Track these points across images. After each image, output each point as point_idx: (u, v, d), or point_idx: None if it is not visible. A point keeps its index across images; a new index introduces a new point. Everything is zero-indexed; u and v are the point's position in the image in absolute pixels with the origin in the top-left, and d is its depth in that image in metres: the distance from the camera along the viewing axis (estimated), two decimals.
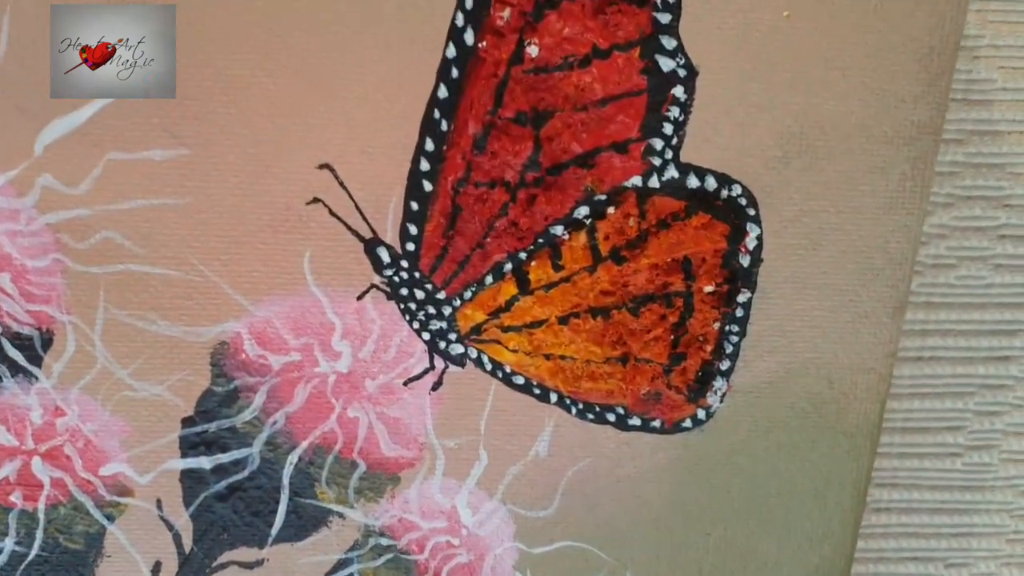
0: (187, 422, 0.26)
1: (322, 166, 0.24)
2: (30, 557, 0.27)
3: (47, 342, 0.25)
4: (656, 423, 0.27)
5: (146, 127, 0.23)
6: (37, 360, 0.25)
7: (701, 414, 0.27)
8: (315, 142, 0.24)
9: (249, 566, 0.28)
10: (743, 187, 0.25)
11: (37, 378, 0.25)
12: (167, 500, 0.27)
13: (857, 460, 0.28)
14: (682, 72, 0.24)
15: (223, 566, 0.28)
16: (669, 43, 0.23)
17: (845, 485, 0.28)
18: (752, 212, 0.25)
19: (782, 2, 0.23)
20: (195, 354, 0.25)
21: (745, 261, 0.26)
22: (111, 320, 0.25)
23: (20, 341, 0.25)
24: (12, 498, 0.26)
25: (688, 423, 0.27)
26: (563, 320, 0.26)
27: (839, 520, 0.28)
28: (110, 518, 0.27)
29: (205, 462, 0.26)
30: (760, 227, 0.25)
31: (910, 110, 0.25)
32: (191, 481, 0.27)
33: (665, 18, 0.23)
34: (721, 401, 0.27)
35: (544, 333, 0.26)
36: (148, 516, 0.27)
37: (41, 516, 0.27)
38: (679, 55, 0.23)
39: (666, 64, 0.23)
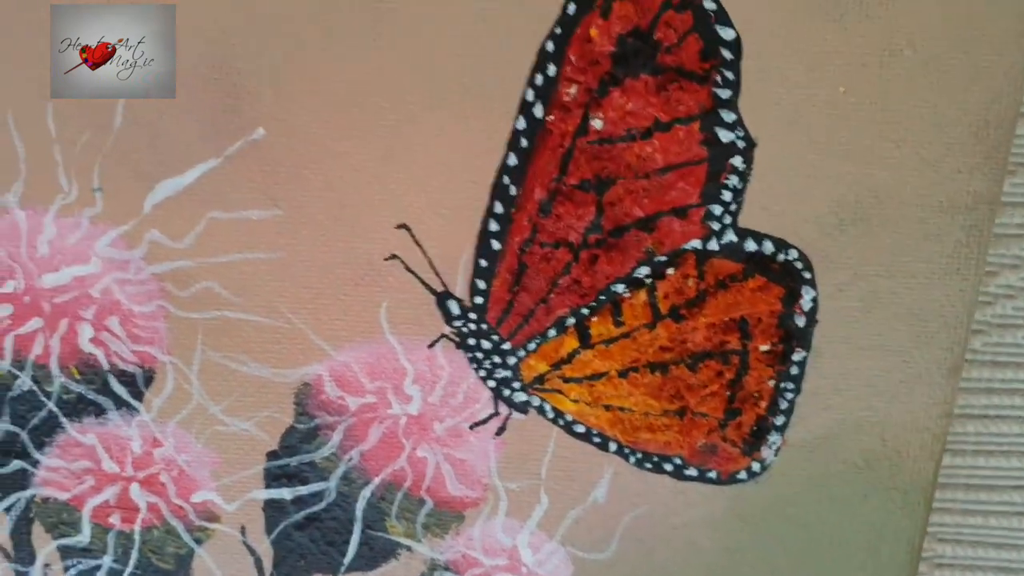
0: (271, 456, 0.28)
1: (399, 226, 0.26)
2: (125, 574, 0.29)
3: (148, 379, 0.28)
4: (712, 474, 0.28)
5: (245, 189, 0.26)
6: (139, 395, 0.28)
7: (756, 467, 0.28)
8: (393, 204, 0.26)
9: None
10: (799, 252, 0.26)
11: (138, 411, 0.28)
12: (250, 528, 0.29)
13: (911, 517, 0.28)
14: (741, 143, 0.25)
15: None
16: (728, 117, 0.25)
17: (899, 540, 0.29)
18: (808, 276, 0.26)
19: (839, 78, 0.24)
20: (281, 394, 0.28)
21: (800, 322, 0.26)
22: (207, 361, 0.27)
23: (125, 378, 0.27)
24: (111, 519, 0.29)
25: (743, 475, 0.28)
26: (623, 374, 0.27)
27: (892, 574, 0.29)
28: (198, 541, 0.29)
29: (286, 493, 0.29)
30: (815, 290, 0.26)
31: (966, 180, 0.25)
32: (273, 510, 0.29)
33: (725, 94, 0.24)
34: (776, 455, 0.28)
35: (604, 385, 0.27)
36: (232, 541, 0.29)
37: (137, 537, 0.29)
38: (738, 128, 0.25)
39: (725, 136, 0.25)
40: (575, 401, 0.27)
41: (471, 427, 0.28)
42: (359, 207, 0.26)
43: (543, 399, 0.27)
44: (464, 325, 0.27)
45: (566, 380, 0.27)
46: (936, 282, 0.26)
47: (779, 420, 0.27)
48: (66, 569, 0.30)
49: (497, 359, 0.27)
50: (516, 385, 0.27)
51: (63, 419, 0.28)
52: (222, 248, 0.26)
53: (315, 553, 0.29)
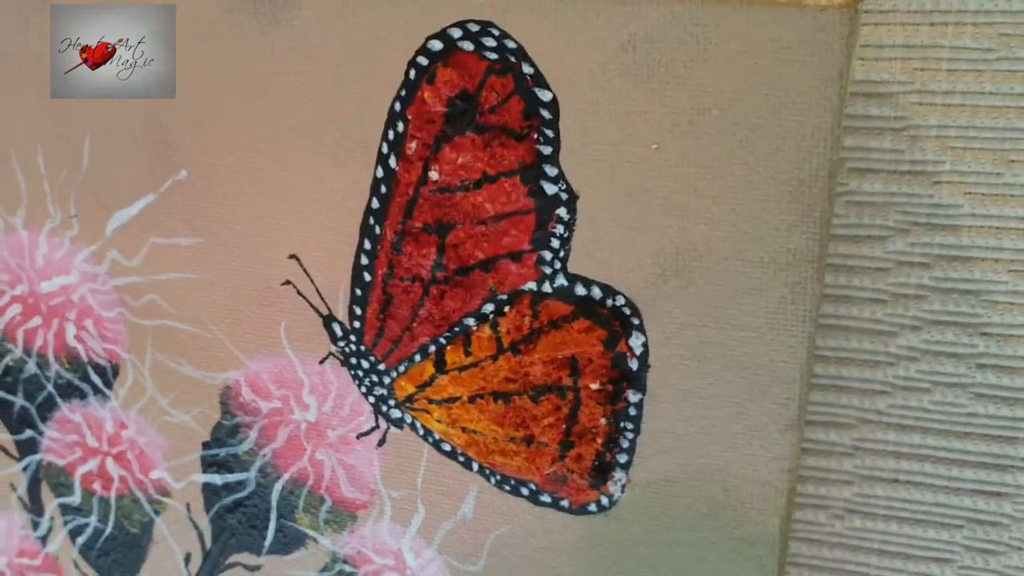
0: (205, 445, 0.33)
1: (291, 256, 0.30)
2: (106, 533, 0.36)
3: (115, 372, 0.34)
4: (564, 502, 0.30)
5: (175, 220, 0.31)
6: (109, 385, 0.34)
7: (604, 501, 0.29)
8: (286, 237, 0.30)
9: (250, 569, 0.34)
10: (626, 298, 0.27)
11: (109, 398, 0.34)
12: (194, 506, 0.34)
13: (760, 570, 0.29)
14: (564, 195, 0.27)
15: (232, 565, 0.34)
16: (551, 171, 0.27)
17: None
18: (636, 321, 0.27)
19: (651, 136, 0.26)
20: (209, 393, 0.33)
21: (634, 365, 0.28)
22: (155, 361, 0.33)
23: (99, 370, 0.34)
24: (95, 486, 0.35)
25: (593, 507, 0.30)
26: (472, 399, 0.29)
27: None
28: (156, 512, 0.35)
29: (218, 479, 0.34)
30: (645, 335, 0.28)
31: (784, 238, 0.26)
32: (209, 493, 0.34)
33: (547, 150, 0.27)
34: (622, 491, 0.29)
35: (458, 409, 0.30)
36: (181, 516, 0.35)
37: (112, 503, 0.35)
38: (561, 181, 0.27)
39: (550, 188, 0.27)
40: (438, 421, 0.30)
41: (357, 437, 0.31)
42: (260, 238, 0.30)
43: (414, 417, 0.31)
44: (346, 346, 0.30)
45: (430, 401, 0.30)
46: (764, 336, 0.27)
47: (622, 458, 0.29)
48: (65, 523, 0.36)
49: (375, 378, 0.31)
50: (392, 403, 0.31)
51: (58, 399, 0.35)
52: (162, 268, 0.32)
53: (242, 534, 0.34)
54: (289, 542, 0.33)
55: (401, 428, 0.31)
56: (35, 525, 0.37)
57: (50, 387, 0.35)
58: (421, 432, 0.31)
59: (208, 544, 0.35)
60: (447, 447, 0.30)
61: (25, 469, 0.36)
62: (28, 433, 0.36)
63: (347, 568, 0.33)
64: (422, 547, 0.32)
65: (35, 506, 0.37)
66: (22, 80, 0.31)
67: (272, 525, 0.33)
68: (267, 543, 0.34)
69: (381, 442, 0.31)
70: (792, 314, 0.26)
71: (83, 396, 0.34)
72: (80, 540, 0.36)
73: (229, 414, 0.33)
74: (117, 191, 0.31)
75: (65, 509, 0.36)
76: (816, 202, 0.25)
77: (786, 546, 0.28)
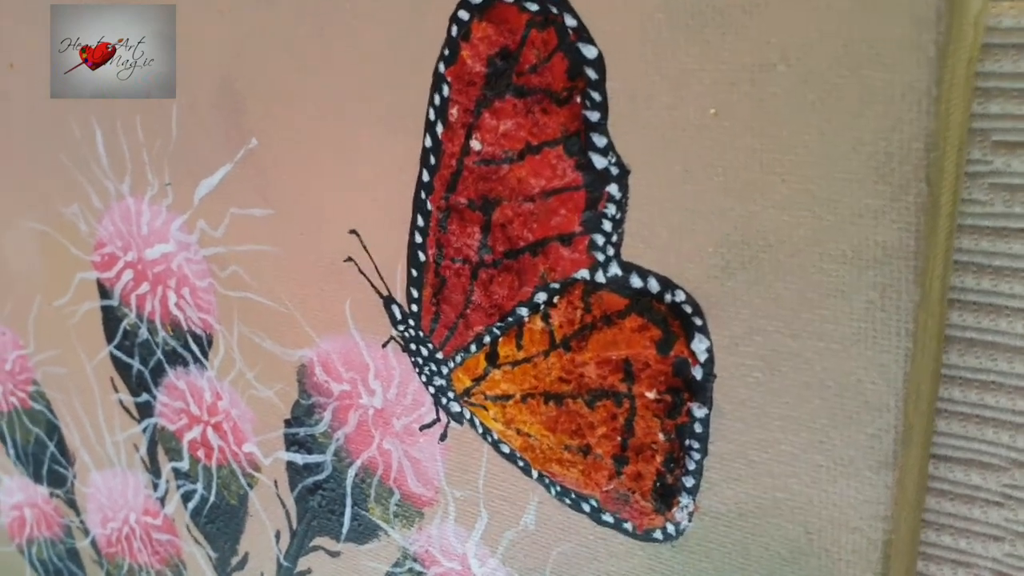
0: (287, 423, 0.33)
1: (351, 231, 0.28)
2: (211, 501, 0.36)
3: (210, 342, 0.34)
4: (628, 525, 0.26)
5: (250, 190, 0.30)
6: (205, 354, 0.34)
7: (671, 528, 0.25)
8: (347, 210, 0.28)
9: (331, 554, 0.33)
10: (687, 294, 0.23)
11: (206, 367, 0.34)
12: (280, 483, 0.34)
13: None
14: (614, 170, 0.23)
15: (315, 548, 0.34)
16: (600, 140, 0.23)
17: None
18: (699, 322, 0.23)
19: (708, 98, 0.21)
20: (288, 370, 0.32)
21: (697, 374, 0.23)
22: (241, 333, 0.32)
23: (196, 339, 0.34)
24: (199, 453, 0.36)
25: (659, 534, 0.25)
26: (524, 399, 0.26)
27: None
28: (250, 486, 0.35)
29: (299, 458, 0.33)
30: (709, 339, 0.23)
31: (870, 227, 0.20)
32: (292, 471, 0.33)
33: (594, 116, 0.23)
34: (690, 520, 0.25)
35: (512, 408, 0.27)
36: (270, 492, 0.34)
37: (214, 472, 0.35)
38: (611, 153, 0.23)
39: (599, 162, 0.23)
40: (495, 420, 0.27)
41: (420, 428, 0.29)
42: (323, 211, 0.29)
43: (472, 412, 0.28)
44: (406, 330, 0.28)
45: (485, 397, 0.27)
46: (848, 350, 0.21)
47: (688, 481, 0.24)
48: (178, 487, 0.37)
49: (433, 367, 0.28)
50: (451, 395, 0.28)
51: (167, 365, 0.35)
52: (241, 239, 0.31)
53: (322, 517, 0.33)
54: (363, 531, 0.32)
55: (460, 423, 0.28)
56: (155, 486, 0.38)
57: (159, 353, 0.35)
58: (480, 430, 0.28)
59: (294, 524, 0.34)
60: (506, 449, 0.27)
61: (144, 431, 0.37)
62: (144, 396, 0.37)
63: (417, 567, 0.31)
64: (487, 555, 0.29)
65: (153, 467, 0.38)
66: None
67: (348, 512, 0.32)
68: (344, 530, 0.32)
69: (442, 436, 0.29)
70: (883, 323, 0.21)
71: (185, 364, 0.35)
72: (190, 505, 0.37)
73: (305, 393, 0.32)
74: (201, 160, 0.31)
75: (177, 473, 0.37)
76: (909, 182, 0.20)
77: None
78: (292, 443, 0.33)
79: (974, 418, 0.25)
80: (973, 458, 0.25)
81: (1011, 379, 0.24)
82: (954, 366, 0.25)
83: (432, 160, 0.26)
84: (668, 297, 0.23)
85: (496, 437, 0.28)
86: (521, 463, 0.27)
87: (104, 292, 0.36)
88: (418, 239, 0.27)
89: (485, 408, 0.27)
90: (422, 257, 0.27)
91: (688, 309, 0.23)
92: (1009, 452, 0.24)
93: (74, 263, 0.37)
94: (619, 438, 0.25)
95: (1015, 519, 0.25)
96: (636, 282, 0.24)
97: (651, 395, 0.24)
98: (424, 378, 0.28)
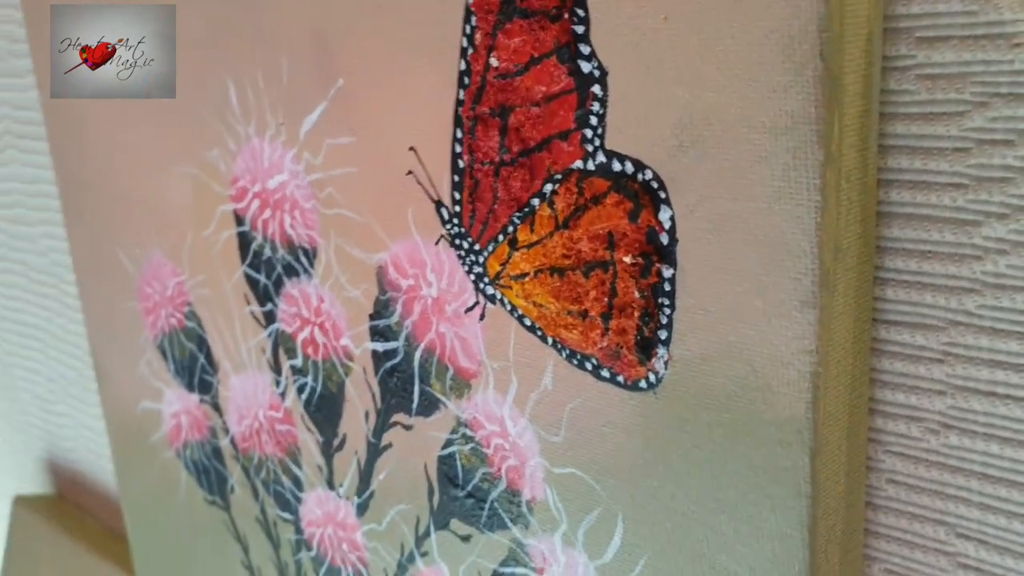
0: (371, 317, 0.39)
1: (410, 148, 0.35)
2: (318, 391, 0.43)
3: (314, 254, 0.41)
4: (620, 378, 0.31)
5: (339, 123, 0.37)
6: (312, 265, 0.41)
7: (652, 378, 0.30)
8: (410, 132, 0.35)
9: (406, 428, 0.40)
10: (654, 172, 0.28)
11: (312, 276, 0.41)
12: (367, 369, 0.40)
13: (791, 456, 0.27)
14: (597, 72, 0.28)
15: (394, 424, 0.40)
16: (585, 49, 0.28)
17: (784, 479, 0.28)
18: (663, 195, 0.28)
19: (662, 7, 0.26)
20: (370, 272, 0.39)
21: (664, 239, 0.28)
22: (336, 244, 0.40)
23: (305, 252, 0.41)
24: (308, 350, 0.43)
25: (644, 384, 0.30)
26: (536, 274, 0.32)
27: (783, 513, 0.28)
28: (346, 374, 0.42)
29: (380, 346, 0.39)
30: (671, 209, 0.28)
31: (781, 99, 0.25)
32: (376, 359, 0.40)
33: (579, 29, 0.28)
34: (666, 368, 0.30)
35: (529, 284, 0.32)
36: (360, 378, 0.41)
37: (320, 365, 0.43)
38: (593, 58, 0.28)
39: (585, 67, 0.29)
40: (518, 296, 0.33)
41: (465, 311, 0.35)
42: (391, 133, 0.35)
43: (502, 293, 0.34)
44: (451, 228, 0.34)
45: (511, 278, 0.33)
46: (772, 207, 0.26)
47: (663, 334, 0.29)
48: (294, 382, 0.45)
49: (473, 257, 0.34)
50: (486, 280, 0.34)
51: (284, 278, 0.43)
52: (335, 164, 0.38)
53: (398, 396, 0.39)
54: (428, 405, 0.38)
55: (494, 304, 0.34)
56: (277, 383, 0.46)
57: (279, 268, 0.43)
58: (508, 308, 0.34)
59: (378, 404, 0.41)
60: (527, 322, 0.33)
61: (269, 336, 0.45)
62: (269, 306, 0.44)
63: (468, 432, 0.37)
64: (518, 416, 0.35)
65: (276, 366, 0.45)
66: None
67: (416, 389, 0.38)
68: (414, 406, 0.39)
69: (481, 316, 0.35)
70: (796, 181, 0.25)
71: (297, 275, 0.42)
72: (303, 397, 0.44)
73: (383, 290, 0.38)
74: (304, 101, 0.39)
75: (293, 370, 0.44)
76: (808, 59, 0.24)
77: (825, 437, 0.27)
78: (375, 334, 0.39)
79: (916, 284, 0.28)
80: (917, 321, 0.29)
81: (943, 247, 0.28)
82: (896, 239, 0.28)
83: (466, 80, 0.32)
84: (640, 176, 0.28)
85: (520, 312, 0.33)
86: (539, 332, 0.33)
87: (239, 220, 0.44)
88: (458, 149, 0.33)
89: (510, 288, 0.33)
90: (461, 164, 0.33)
91: (655, 185, 0.28)
92: (946, 313, 0.28)
93: (216, 198, 0.45)
94: (606, 299, 0.30)
95: (955, 374, 0.28)
96: (616, 166, 0.29)
97: (628, 259, 0.29)
98: (466, 267, 0.35)
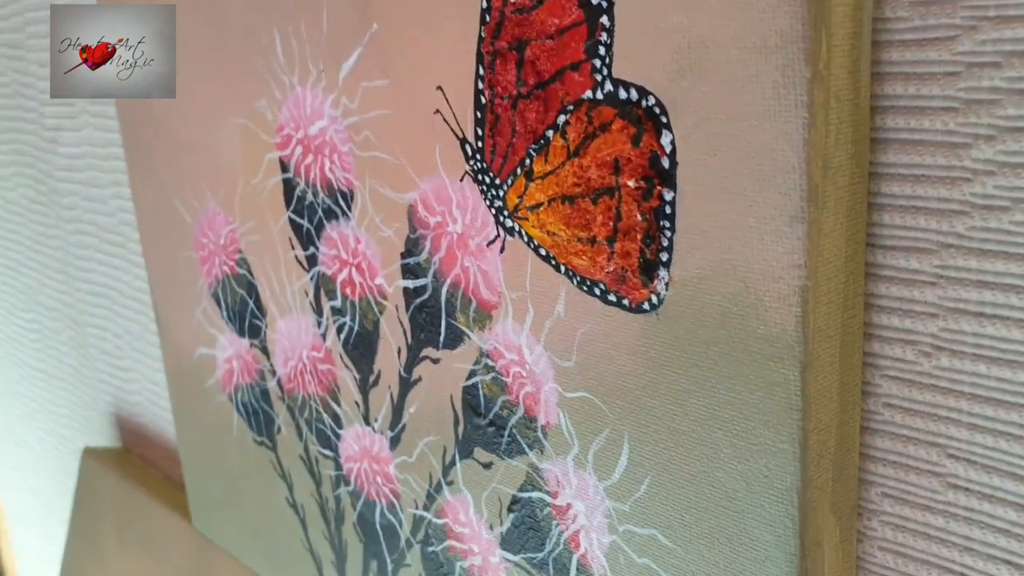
0: (402, 256, 0.41)
1: (437, 88, 0.37)
2: (355, 330, 0.46)
3: (352, 196, 0.43)
4: (625, 301, 0.32)
5: (374, 67, 0.39)
6: (350, 207, 0.43)
7: (654, 299, 0.31)
8: (436, 72, 0.37)
9: (434, 361, 0.42)
10: (656, 98, 0.29)
11: (350, 218, 0.44)
12: (399, 307, 0.43)
13: (783, 373, 0.28)
14: (604, 3, 0.30)
15: (423, 359, 0.42)
16: None
17: (776, 393, 0.29)
18: (664, 120, 0.29)
19: None
20: (401, 212, 0.41)
21: (665, 163, 0.30)
22: (371, 186, 0.42)
23: (343, 195, 0.44)
24: (347, 291, 0.45)
25: (647, 305, 0.32)
26: (550, 203, 0.33)
27: (775, 427, 0.29)
28: (380, 312, 0.44)
29: (410, 283, 0.41)
30: (672, 132, 0.29)
31: (771, 20, 0.26)
32: (407, 296, 0.42)
33: None
34: (666, 289, 0.31)
35: (544, 214, 0.34)
36: (393, 316, 0.43)
37: (357, 304, 0.45)
38: None
39: None
40: (534, 227, 0.35)
41: (487, 244, 0.37)
42: (420, 74, 0.37)
43: (520, 225, 0.35)
44: (475, 163, 0.36)
45: (528, 209, 0.35)
46: (763, 125, 0.27)
47: (664, 256, 0.31)
48: (334, 322, 0.47)
49: (494, 192, 0.36)
50: (505, 213, 0.36)
51: (324, 221, 0.45)
52: (369, 107, 0.40)
53: (427, 330, 0.41)
54: (454, 338, 0.40)
55: (512, 236, 0.36)
56: (318, 324, 0.48)
57: (319, 211, 0.45)
58: (525, 239, 0.35)
59: (409, 340, 0.43)
60: (543, 252, 0.35)
61: (311, 279, 0.48)
62: (311, 250, 0.47)
63: (489, 362, 0.39)
64: (534, 344, 0.36)
65: (318, 308, 0.48)
66: None
67: (443, 323, 0.40)
68: (441, 339, 0.41)
69: (501, 249, 0.36)
70: (784, 99, 0.26)
71: (336, 217, 0.44)
72: (342, 336, 0.47)
73: (413, 228, 0.40)
74: (342, 47, 0.41)
75: (333, 310, 0.47)
76: None
77: (816, 352, 0.28)
78: (406, 272, 0.42)
79: (910, 209, 0.29)
80: (910, 245, 0.30)
81: (935, 171, 0.29)
82: (891, 164, 0.29)
83: (487, 18, 0.34)
84: (643, 103, 0.30)
85: (536, 243, 0.35)
86: (552, 261, 0.35)
87: (284, 167, 0.47)
88: (479, 85, 0.35)
89: (527, 219, 0.35)
90: (483, 100, 0.35)
91: (657, 110, 0.30)
92: (938, 236, 0.29)
93: (264, 147, 0.48)
94: (612, 224, 0.32)
95: (946, 296, 0.29)
96: (622, 94, 0.30)
97: (632, 184, 0.31)
98: (488, 201, 0.36)
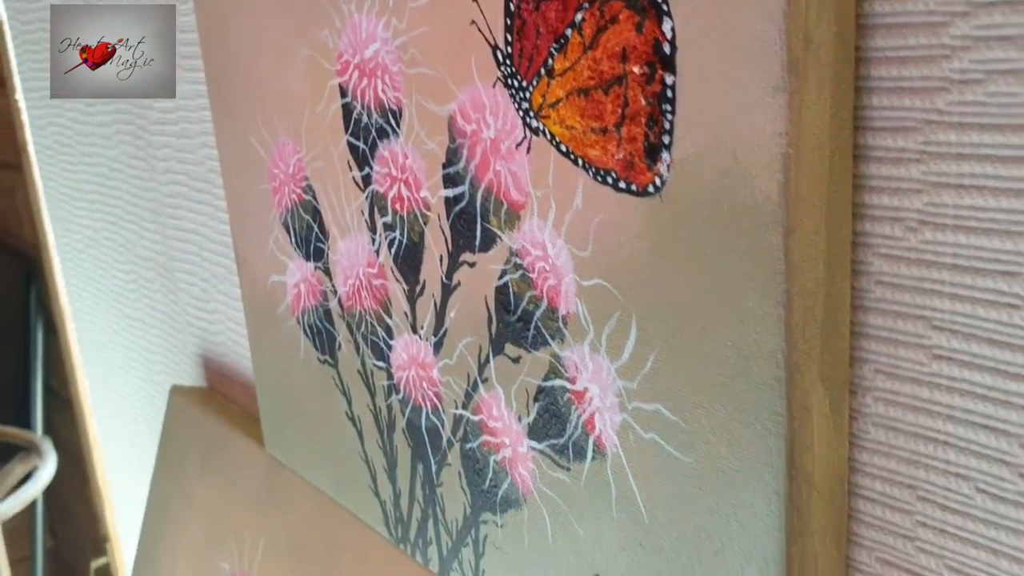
0: (443, 166, 0.45)
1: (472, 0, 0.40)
2: (404, 243, 0.49)
3: (400, 114, 0.47)
4: (633, 186, 0.35)
5: None
6: (399, 124, 0.47)
7: (658, 181, 0.34)
8: None
9: (470, 265, 0.45)
10: None
11: (399, 135, 0.47)
12: (441, 216, 0.46)
13: (768, 237, 0.31)
14: None
15: (461, 264, 0.45)
16: None
17: (762, 259, 0.31)
18: (665, 7, 0.32)
19: None
20: (442, 124, 0.44)
21: (667, 49, 0.32)
22: (417, 102, 0.45)
23: (393, 113, 0.47)
24: (396, 206, 0.49)
25: (651, 188, 0.34)
26: (568, 96, 0.36)
27: (763, 294, 0.31)
28: (425, 223, 0.47)
29: (450, 192, 0.45)
30: (672, 20, 0.32)
31: None
32: (447, 204, 0.45)
33: None
34: (668, 171, 0.33)
35: (563, 109, 0.37)
36: (436, 225, 0.46)
37: (405, 218, 0.48)
38: None
39: None
40: (555, 124, 0.37)
41: (516, 146, 0.40)
42: None
43: (544, 124, 0.38)
44: (505, 69, 0.39)
45: (550, 107, 0.37)
46: (751, 5, 0.29)
47: (666, 139, 0.33)
48: (386, 237, 0.51)
49: (522, 94, 0.39)
50: (532, 113, 0.39)
51: (377, 141, 0.49)
52: (416, 26, 0.44)
53: (464, 236, 0.44)
54: (487, 240, 0.43)
55: (538, 136, 0.39)
56: (372, 241, 0.52)
57: (373, 132, 0.49)
58: (548, 137, 0.38)
59: (450, 247, 0.46)
60: (563, 148, 0.38)
61: (367, 198, 0.51)
62: (366, 170, 0.51)
63: (517, 260, 0.42)
64: (555, 238, 0.39)
65: (372, 226, 0.52)
66: None
67: (478, 227, 0.43)
68: (477, 243, 0.44)
69: (528, 149, 0.39)
70: None
71: (388, 136, 0.48)
72: (392, 251, 0.50)
73: (452, 138, 0.44)
74: None
75: (385, 227, 0.50)
76: None
77: (799, 219, 0.30)
78: (447, 181, 0.45)
79: (896, 89, 0.31)
80: (897, 125, 0.31)
81: (918, 51, 0.30)
82: (879, 48, 0.31)
83: None
84: None
85: (557, 140, 0.38)
86: (572, 156, 0.37)
87: (343, 92, 0.51)
88: None
89: (549, 117, 0.38)
90: (511, 6, 0.38)
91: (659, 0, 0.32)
92: (922, 114, 0.31)
93: (326, 75, 0.52)
94: (619, 110, 0.34)
95: (929, 171, 0.31)
96: None
97: (637, 70, 0.33)
98: (516, 104, 0.39)
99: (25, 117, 1.20)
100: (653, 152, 0.34)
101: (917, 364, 0.33)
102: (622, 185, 0.35)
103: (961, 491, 0.32)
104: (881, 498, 0.35)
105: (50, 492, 1.46)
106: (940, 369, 0.32)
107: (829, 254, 0.32)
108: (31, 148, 1.21)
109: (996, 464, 0.31)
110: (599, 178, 0.36)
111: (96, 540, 1.38)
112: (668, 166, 0.33)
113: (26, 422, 1.49)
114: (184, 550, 0.84)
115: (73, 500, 1.49)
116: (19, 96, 1.20)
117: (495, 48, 0.40)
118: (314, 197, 0.56)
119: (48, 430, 1.49)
